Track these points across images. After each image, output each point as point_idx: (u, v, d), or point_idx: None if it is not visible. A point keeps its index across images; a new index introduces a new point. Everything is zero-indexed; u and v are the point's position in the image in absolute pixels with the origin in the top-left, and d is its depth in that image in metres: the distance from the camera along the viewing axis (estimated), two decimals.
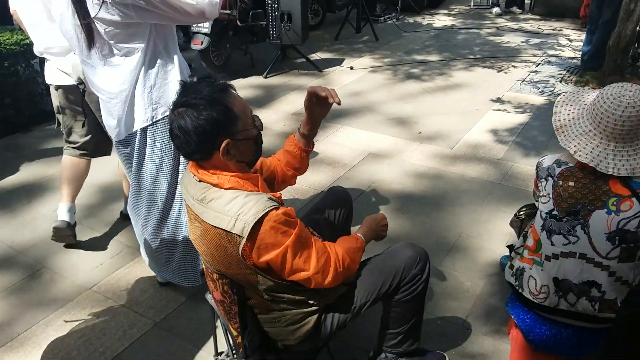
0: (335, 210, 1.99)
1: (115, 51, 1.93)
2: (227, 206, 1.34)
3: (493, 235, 2.70)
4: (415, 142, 3.83)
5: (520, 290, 1.79)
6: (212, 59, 5.22)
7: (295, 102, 4.68)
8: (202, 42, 4.95)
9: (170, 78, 2.02)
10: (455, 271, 2.46)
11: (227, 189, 1.36)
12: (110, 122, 2.06)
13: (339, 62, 5.79)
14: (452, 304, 2.25)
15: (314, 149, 3.69)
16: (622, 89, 1.54)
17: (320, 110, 1.75)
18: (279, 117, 4.38)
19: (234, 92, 1.40)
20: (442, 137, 3.89)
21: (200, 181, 1.41)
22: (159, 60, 2.00)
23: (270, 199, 1.37)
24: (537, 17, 7.63)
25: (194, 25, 4.90)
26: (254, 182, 1.43)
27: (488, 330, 2.11)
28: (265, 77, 5.38)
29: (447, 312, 2.21)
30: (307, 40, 5.58)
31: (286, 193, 3.19)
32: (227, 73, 5.49)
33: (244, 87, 5.19)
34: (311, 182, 3.29)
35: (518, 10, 7.92)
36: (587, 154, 1.57)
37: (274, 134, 4.06)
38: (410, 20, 7.83)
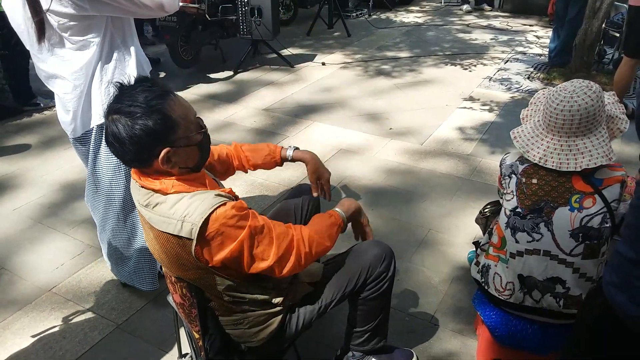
0: (302, 207, 1.96)
1: (68, 44, 1.85)
2: (172, 209, 1.28)
3: (461, 230, 2.72)
4: (386, 138, 3.82)
5: (486, 287, 1.80)
6: (181, 54, 5.12)
7: (266, 98, 4.63)
8: (169, 37, 4.84)
9: (129, 72, 1.95)
10: (424, 267, 2.46)
11: (171, 193, 1.30)
12: (65, 118, 1.98)
13: (310, 58, 5.75)
14: (420, 300, 2.25)
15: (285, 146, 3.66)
16: (569, 83, 1.55)
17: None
18: (249, 113, 4.32)
19: (174, 96, 1.31)
20: (413, 133, 3.90)
21: (142, 187, 1.34)
22: (116, 54, 1.93)
23: (218, 195, 1.31)
24: (506, 14, 7.73)
25: (161, 19, 4.78)
26: (200, 182, 1.36)
27: (456, 326, 2.12)
28: (236, 73, 5.30)
29: (415, 308, 2.21)
30: (279, 35, 5.52)
31: (255, 190, 3.14)
32: (197, 68, 5.40)
33: (214, 82, 5.11)
34: (281, 179, 3.26)
35: (488, 8, 8.01)
36: (536, 153, 1.58)
37: (244, 130, 4.00)
38: (383, 16, 7.83)
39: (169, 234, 1.29)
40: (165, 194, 1.31)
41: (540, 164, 1.57)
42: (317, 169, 1.86)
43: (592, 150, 1.52)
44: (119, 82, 1.30)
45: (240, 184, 3.21)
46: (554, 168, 1.55)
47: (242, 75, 5.27)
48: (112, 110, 1.26)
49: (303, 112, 4.32)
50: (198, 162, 1.38)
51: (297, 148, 1.88)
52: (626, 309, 1.03)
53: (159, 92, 1.27)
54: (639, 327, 1.03)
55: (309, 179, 1.88)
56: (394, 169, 3.39)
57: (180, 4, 4.80)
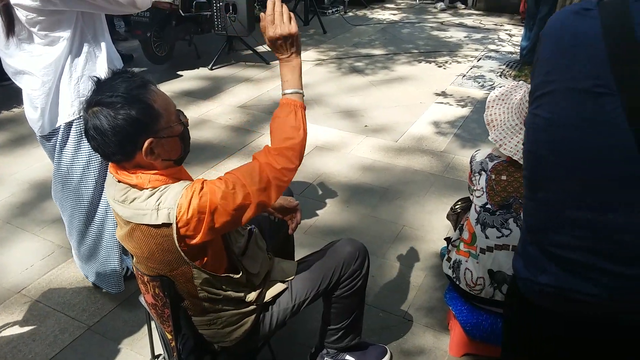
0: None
1: (37, 40, 1.81)
2: (146, 202, 1.27)
3: (435, 226, 2.76)
4: (361, 135, 3.84)
5: (457, 282, 1.83)
6: (155, 50, 5.04)
7: (241, 95, 4.60)
8: (142, 32, 4.76)
9: (99, 69, 1.92)
10: (398, 263, 2.49)
11: (147, 188, 1.29)
12: (33, 115, 1.94)
13: None
14: (394, 296, 2.28)
15: (261, 144, 3.65)
16: None
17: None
18: (224, 110, 4.28)
19: (154, 87, 1.31)
20: (388, 130, 3.93)
21: (119, 182, 1.33)
22: (86, 50, 1.90)
23: (187, 182, 1.31)
24: (480, 12, 7.84)
25: (134, 14, 4.70)
26: (176, 176, 1.35)
27: (429, 322, 2.15)
28: (211, 69, 5.25)
29: (389, 304, 2.24)
30: (254, 32, 5.48)
31: None
32: (170, 64, 5.33)
33: (188, 78, 5.05)
34: None
35: (461, 6, 8.12)
36: (511, 148, 1.61)
37: (219, 127, 3.97)
38: (359, 13, 7.86)
39: (148, 225, 1.27)
40: (142, 189, 1.29)
41: (514, 157, 1.60)
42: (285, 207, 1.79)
43: None
44: (95, 76, 1.28)
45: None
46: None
47: (217, 72, 5.22)
48: (92, 102, 1.24)
49: None
50: (180, 155, 1.37)
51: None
52: (520, 273, 1.04)
53: (139, 82, 1.26)
54: (536, 295, 1.03)
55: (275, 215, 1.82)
56: (369, 166, 3.41)
57: None
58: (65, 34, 1.82)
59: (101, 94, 1.23)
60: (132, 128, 1.22)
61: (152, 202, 1.26)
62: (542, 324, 1.05)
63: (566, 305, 0.97)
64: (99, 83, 1.27)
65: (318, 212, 2.88)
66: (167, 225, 1.25)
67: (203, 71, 5.22)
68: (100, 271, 2.17)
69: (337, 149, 3.63)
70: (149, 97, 1.25)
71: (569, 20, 0.92)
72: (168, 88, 4.78)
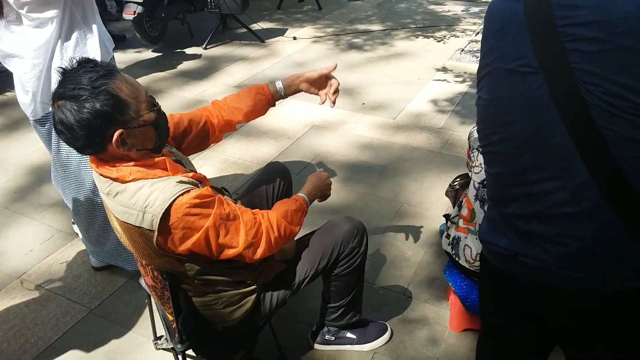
0: (274, 185, 1.94)
1: (26, 22, 1.77)
2: (132, 199, 1.24)
3: (434, 203, 2.75)
4: (358, 112, 3.81)
5: (456, 259, 1.83)
6: (147, 30, 4.96)
7: (236, 74, 4.54)
8: (134, 12, 4.68)
9: (90, 51, 1.89)
10: (397, 241, 2.49)
11: (129, 181, 1.26)
12: (24, 98, 1.91)
13: (281, 32, 5.65)
14: (394, 273, 2.29)
15: (258, 124, 3.62)
16: None
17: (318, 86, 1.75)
18: (219, 90, 4.24)
19: (122, 75, 1.26)
20: (385, 107, 3.89)
21: (101, 175, 1.30)
22: (76, 32, 1.86)
23: (180, 182, 1.27)
24: None
25: None
26: (161, 167, 1.31)
27: (428, 297, 2.16)
28: (205, 48, 5.18)
29: (389, 281, 2.24)
30: (248, 9, 5.39)
31: (229, 169, 3.11)
32: (164, 44, 5.25)
33: (183, 58, 4.98)
34: (255, 156, 3.22)
35: None
36: None
37: None
38: None
39: (131, 224, 1.27)
40: (124, 181, 1.27)
41: None
42: (320, 76, 1.74)
43: None
44: (61, 67, 1.24)
45: (212, 162, 3.17)
46: None
47: (212, 51, 5.15)
48: (57, 96, 1.20)
49: None
50: (157, 143, 1.33)
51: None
52: (483, 236, 1.11)
53: (103, 72, 1.21)
54: (495, 258, 1.09)
55: (311, 91, 1.76)
56: (368, 144, 3.39)
57: None
58: (54, 16, 1.78)
59: (65, 86, 1.20)
60: (98, 120, 1.18)
61: (140, 202, 1.24)
62: (501, 287, 1.13)
63: (520, 268, 1.02)
64: (63, 74, 1.23)
65: None
66: (150, 230, 1.25)
67: (197, 50, 5.15)
68: (114, 250, 2.17)
69: (334, 128, 3.60)
70: (114, 87, 1.21)
71: (498, 5, 0.98)
72: (162, 68, 4.72)
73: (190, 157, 1.65)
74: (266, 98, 1.72)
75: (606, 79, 0.81)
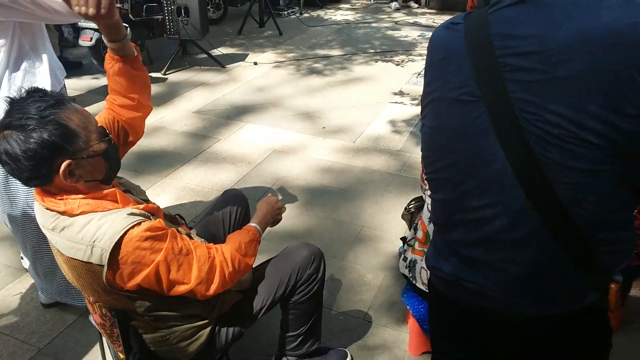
0: (230, 213, 1.92)
1: None
2: (80, 233, 1.20)
3: (393, 226, 2.78)
4: (319, 136, 3.84)
5: (414, 282, 1.84)
6: (104, 56, 4.88)
7: (196, 100, 4.52)
8: (91, 38, 4.62)
9: (40, 80, 1.84)
10: (357, 264, 2.50)
11: (78, 214, 1.22)
12: None
13: (242, 58, 5.68)
14: (354, 298, 2.28)
15: (217, 149, 3.60)
16: None
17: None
18: (179, 116, 4.20)
19: (71, 104, 1.23)
20: (345, 130, 3.94)
21: (47, 209, 1.25)
22: (25, 62, 1.82)
23: (131, 214, 1.24)
24: (432, 11, 7.99)
25: (82, 20, 4.55)
26: (111, 199, 1.28)
27: (388, 321, 2.16)
28: (164, 74, 5.14)
29: (349, 306, 2.24)
30: (209, 35, 5.41)
31: (187, 196, 3.06)
32: None
33: None
34: (214, 183, 3.19)
35: (415, 5, 8.24)
36: None
37: (174, 134, 3.89)
38: (314, 14, 7.87)
39: (78, 260, 1.22)
40: (72, 215, 1.22)
41: None
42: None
43: None
44: (9, 97, 1.21)
45: (170, 190, 3.12)
46: None
47: (172, 77, 5.12)
48: (3, 126, 1.17)
49: (235, 113, 4.25)
50: (107, 174, 1.30)
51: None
52: (429, 261, 1.13)
53: (52, 102, 1.18)
54: (440, 283, 1.11)
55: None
56: (328, 168, 3.41)
57: None
58: (1, 45, 1.74)
59: (11, 116, 1.16)
60: (46, 151, 1.15)
61: (88, 236, 1.20)
62: (445, 311, 1.14)
63: (463, 294, 1.04)
64: (11, 104, 1.20)
65: None
66: (99, 265, 1.21)
67: (156, 76, 5.10)
68: (63, 286, 2.08)
69: (295, 152, 3.61)
70: (63, 117, 1.18)
71: (441, 34, 1.00)
72: None
73: (146, 186, 1.62)
74: (114, 59, 1.50)
75: (543, 108, 0.83)
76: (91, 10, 1.30)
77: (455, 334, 1.13)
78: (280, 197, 3.07)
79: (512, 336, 1.04)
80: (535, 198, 0.88)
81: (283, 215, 1.74)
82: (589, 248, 0.89)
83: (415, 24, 7.20)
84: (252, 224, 1.57)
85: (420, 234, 1.82)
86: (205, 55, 5.45)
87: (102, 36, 1.47)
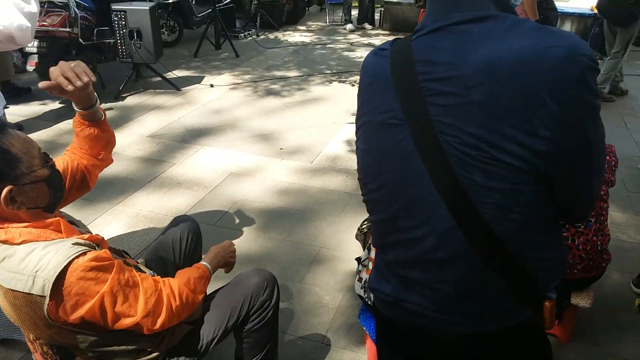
0: (182, 239, 1.88)
1: None
2: (22, 264, 1.15)
3: (351, 245, 2.78)
4: (277, 158, 3.83)
5: (369, 302, 1.84)
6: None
7: (150, 124, 4.44)
8: (37, 63, 4.49)
9: None
10: (315, 286, 2.48)
11: (19, 243, 1.17)
12: None
13: (198, 80, 5.64)
14: (312, 321, 2.26)
15: (172, 174, 3.53)
16: None
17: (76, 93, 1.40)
18: (132, 141, 4.11)
19: (12, 130, 1.21)
20: (303, 151, 3.95)
21: None
22: None
23: (76, 244, 1.20)
24: (386, 32, 8.19)
25: (28, 46, 4.42)
26: (55, 229, 1.24)
27: (347, 343, 2.14)
28: (117, 98, 5.03)
29: (307, 330, 2.21)
30: (164, 57, 5.36)
31: (140, 224, 2.98)
32: None
33: None
34: (169, 209, 3.12)
35: (369, 27, 8.43)
36: None
37: (127, 159, 3.79)
38: (271, 36, 7.92)
39: (19, 291, 1.16)
40: (13, 244, 1.17)
41: None
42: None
43: None
44: None
45: (121, 218, 3.02)
46: None
47: (125, 101, 5.02)
48: None
49: (191, 136, 4.20)
50: (50, 201, 1.26)
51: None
52: (370, 283, 1.14)
53: None
54: (381, 304, 1.12)
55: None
56: (286, 189, 3.39)
57: (51, 28, 4.50)
58: None
59: None
60: None
61: (30, 266, 1.15)
62: (386, 332, 1.15)
63: (402, 314, 1.05)
64: None
65: (234, 241, 2.80)
66: (41, 296, 1.15)
67: (109, 101, 4.99)
68: (9, 322, 1.96)
69: (252, 174, 3.59)
70: (5, 142, 1.16)
71: (370, 60, 1.03)
72: (69, 122, 4.51)
73: (97, 215, 1.57)
74: (83, 124, 1.53)
75: (462, 131, 0.86)
76: (85, 79, 1.35)
77: (396, 355, 1.13)
78: (237, 221, 3.03)
79: (447, 356, 1.04)
80: (460, 218, 0.90)
81: (240, 240, 1.71)
82: (519, 266, 0.91)
83: (369, 45, 7.35)
84: (203, 262, 1.56)
85: (373, 254, 1.82)
86: (160, 79, 5.38)
87: (73, 104, 1.50)
